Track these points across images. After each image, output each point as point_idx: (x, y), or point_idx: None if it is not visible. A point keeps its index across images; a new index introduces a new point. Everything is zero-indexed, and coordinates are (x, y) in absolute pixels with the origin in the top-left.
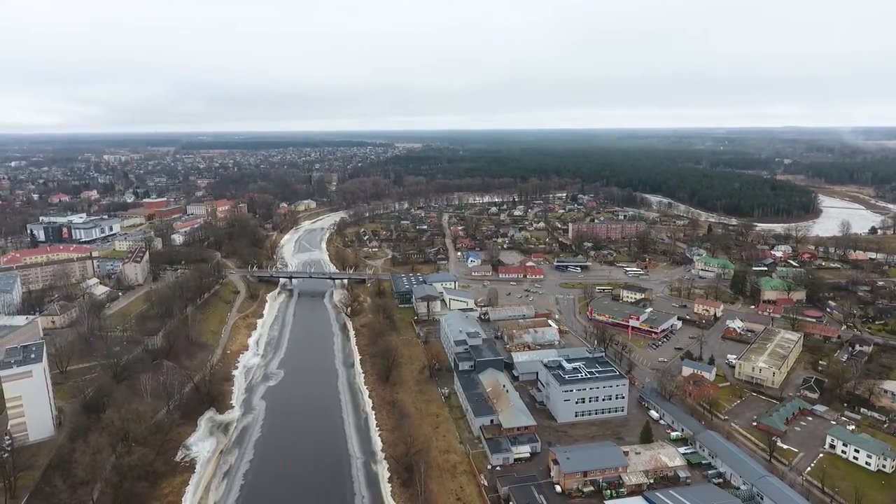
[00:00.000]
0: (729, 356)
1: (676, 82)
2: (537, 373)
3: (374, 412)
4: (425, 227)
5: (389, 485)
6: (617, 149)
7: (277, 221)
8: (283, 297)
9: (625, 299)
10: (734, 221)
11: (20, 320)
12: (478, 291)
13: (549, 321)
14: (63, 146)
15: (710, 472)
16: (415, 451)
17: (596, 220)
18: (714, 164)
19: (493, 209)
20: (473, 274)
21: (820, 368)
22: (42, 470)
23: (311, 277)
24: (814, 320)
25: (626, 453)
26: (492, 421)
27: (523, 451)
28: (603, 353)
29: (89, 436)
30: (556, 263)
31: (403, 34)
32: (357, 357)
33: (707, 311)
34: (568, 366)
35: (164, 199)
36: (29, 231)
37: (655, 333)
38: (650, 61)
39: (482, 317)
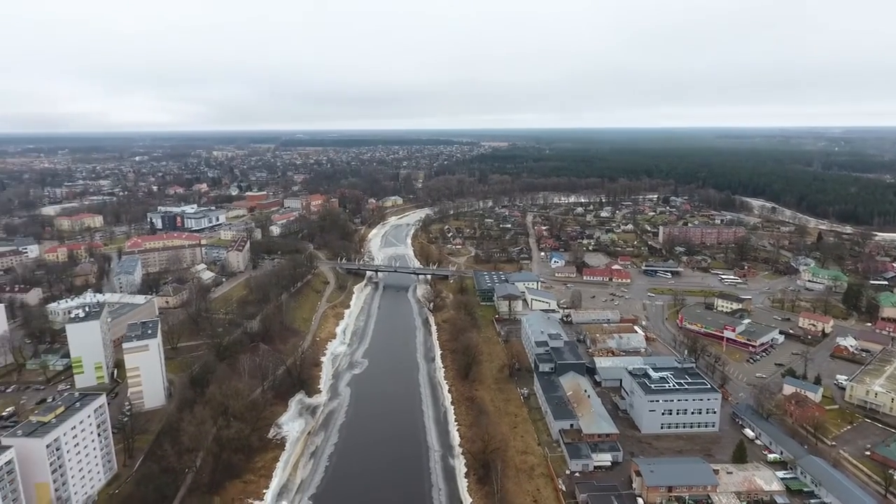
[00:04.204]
0: (838, 377)
1: (782, 76)
2: (621, 380)
3: (453, 407)
4: (509, 225)
5: (466, 480)
6: (715, 149)
7: (366, 216)
8: (370, 290)
9: (720, 308)
10: (849, 230)
11: (140, 299)
12: (561, 293)
13: (636, 327)
14: (179, 143)
15: (812, 500)
16: (492, 448)
17: (690, 224)
18: (827, 167)
19: (579, 210)
20: (557, 275)
21: None
22: (154, 435)
23: (396, 271)
24: None
25: (716, 472)
26: (571, 425)
27: (604, 458)
28: (693, 364)
29: (195, 408)
30: (644, 268)
31: (484, 31)
32: (438, 352)
33: (814, 325)
34: (655, 375)
35: (264, 192)
36: (149, 219)
37: (753, 347)
38: (750, 52)
39: (564, 319)
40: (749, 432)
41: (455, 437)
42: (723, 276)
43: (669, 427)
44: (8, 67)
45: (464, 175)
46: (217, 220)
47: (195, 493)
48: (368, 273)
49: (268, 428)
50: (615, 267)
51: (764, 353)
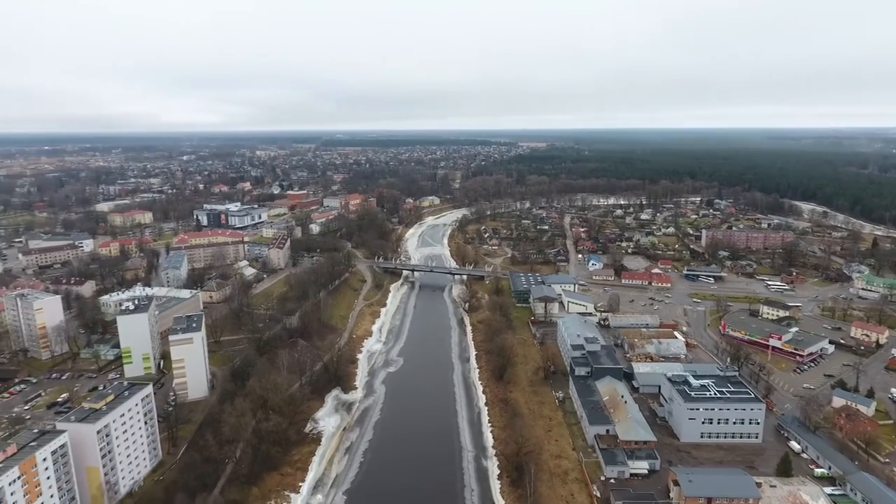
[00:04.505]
0: (893, 390)
1: (835, 74)
2: (660, 386)
3: (486, 408)
4: (546, 227)
5: (499, 482)
6: (762, 150)
7: (403, 216)
8: (406, 289)
9: (765, 316)
10: None
11: (186, 293)
12: (598, 296)
13: (676, 333)
14: (224, 142)
15: None
16: (526, 451)
17: (734, 228)
18: (884, 169)
19: (619, 212)
20: (594, 278)
21: None
22: (197, 425)
23: (432, 271)
24: None
25: (758, 484)
26: (607, 431)
27: (640, 466)
28: (736, 373)
29: (235, 400)
30: (685, 272)
31: (522, 31)
32: (473, 352)
33: (868, 336)
34: (695, 382)
35: (305, 191)
36: (195, 216)
37: (801, 356)
38: (808, 47)
39: (602, 322)
40: (795, 445)
41: (488, 439)
42: (769, 283)
43: (710, 436)
44: (70, 70)
45: (501, 176)
46: (259, 218)
47: (234, 483)
48: (405, 272)
49: (305, 422)
50: (655, 271)
51: (812, 364)
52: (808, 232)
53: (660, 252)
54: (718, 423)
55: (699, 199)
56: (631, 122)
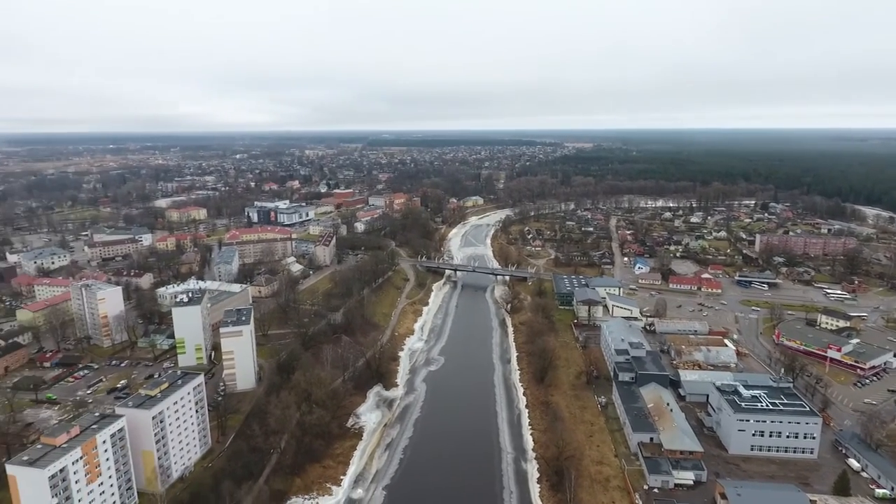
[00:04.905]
0: None
1: None
2: (708, 395)
3: (527, 410)
4: (591, 229)
5: (538, 485)
6: (823, 152)
7: (447, 216)
8: (448, 288)
9: (823, 325)
10: None
11: (236, 288)
12: (644, 300)
13: (726, 340)
14: (275, 142)
15: None
16: (566, 456)
17: (791, 233)
18: None
19: (667, 214)
20: (640, 281)
21: None
22: (245, 415)
23: (474, 271)
24: None
25: (813, 502)
26: (651, 439)
27: (686, 476)
28: (791, 384)
29: (281, 392)
30: (737, 278)
31: (570, 30)
32: (514, 354)
33: None
34: (745, 392)
35: (351, 190)
36: (246, 213)
37: (862, 369)
38: (875, 43)
39: (647, 328)
40: (854, 463)
41: (528, 441)
42: (828, 291)
43: (760, 449)
44: (133, 73)
45: (546, 176)
46: (307, 215)
47: (279, 473)
48: (447, 272)
49: (347, 417)
50: (705, 276)
51: (875, 378)
52: (873, 238)
53: (710, 256)
54: (770, 435)
55: (753, 202)
56: (682, 122)
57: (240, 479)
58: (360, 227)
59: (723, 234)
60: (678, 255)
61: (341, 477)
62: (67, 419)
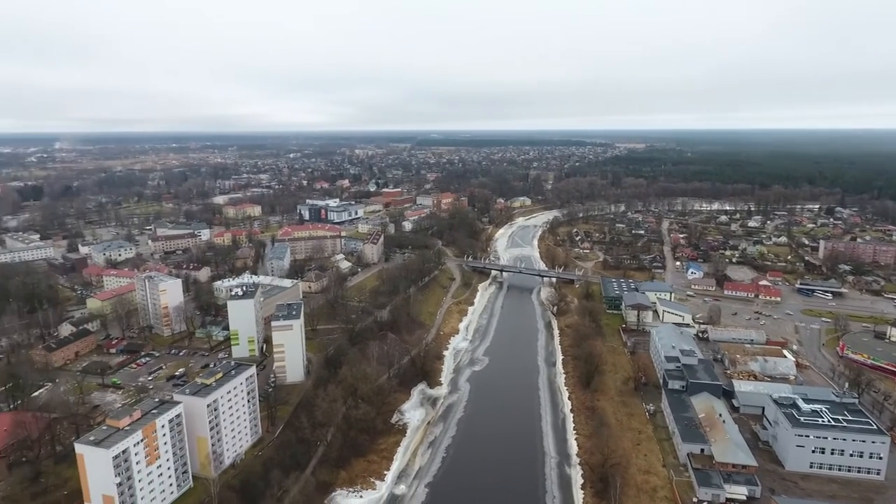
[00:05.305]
0: None
1: None
2: (763, 408)
3: (572, 415)
4: (642, 231)
5: (582, 491)
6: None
7: (494, 216)
8: (493, 289)
9: (894, 339)
10: None
11: (287, 283)
12: (697, 306)
13: (785, 351)
14: (327, 141)
15: None
16: (612, 463)
17: (859, 239)
18: None
19: (723, 218)
20: (693, 287)
21: None
22: (293, 407)
23: (520, 272)
24: None
25: None
26: (702, 450)
27: (738, 491)
28: (856, 400)
29: (328, 386)
30: (798, 286)
31: (624, 28)
32: (559, 357)
33: None
34: (805, 406)
35: (399, 189)
36: (298, 211)
37: None
38: None
39: (700, 335)
40: None
41: (573, 446)
42: None
43: (821, 467)
44: (194, 76)
45: (595, 177)
46: (356, 213)
47: (325, 464)
48: (493, 272)
49: (391, 413)
50: (763, 282)
51: None
52: None
53: (769, 263)
54: (832, 453)
55: (818, 206)
56: (740, 122)
57: (288, 468)
58: (407, 225)
59: (783, 239)
60: (734, 260)
61: (385, 472)
62: (130, 403)
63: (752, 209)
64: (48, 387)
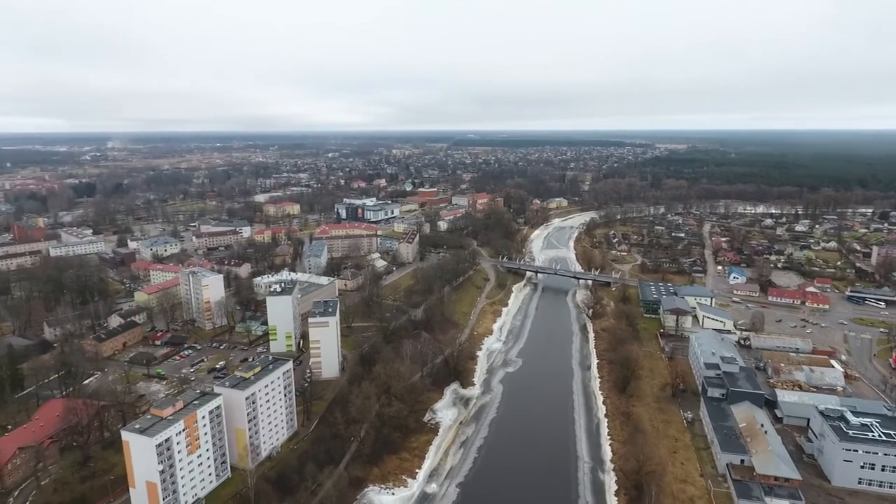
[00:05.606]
0: None
1: None
2: (809, 419)
3: (606, 420)
4: (682, 234)
5: (616, 498)
6: None
7: (529, 217)
8: (528, 290)
9: None
10: None
11: (324, 280)
12: (739, 312)
13: (833, 361)
14: (364, 141)
15: None
16: (648, 470)
17: None
18: None
19: (768, 221)
20: (736, 292)
21: None
22: (328, 403)
23: (556, 274)
24: None
25: None
26: (742, 461)
27: None
28: None
29: (362, 383)
30: (849, 293)
31: (666, 26)
32: (594, 361)
33: None
34: (853, 419)
35: (435, 189)
36: (335, 209)
37: None
38: None
39: (741, 342)
40: None
41: (607, 452)
42: None
43: (870, 484)
44: (238, 77)
45: (634, 178)
46: (392, 213)
47: (358, 460)
48: (528, 273)
49: (424, 412)
50: (810, 289)
51: None
52: None
53: (817, 269)
54: (883, 469)
55: (871, 210)
56: (788, 122)
57: (322, 463)
58: (442, 225)
59: (832, 244)
60: (779, 265)
61: (417, 470)
62: (173, 394)
63: (800, 213)
64: (97, 375)
